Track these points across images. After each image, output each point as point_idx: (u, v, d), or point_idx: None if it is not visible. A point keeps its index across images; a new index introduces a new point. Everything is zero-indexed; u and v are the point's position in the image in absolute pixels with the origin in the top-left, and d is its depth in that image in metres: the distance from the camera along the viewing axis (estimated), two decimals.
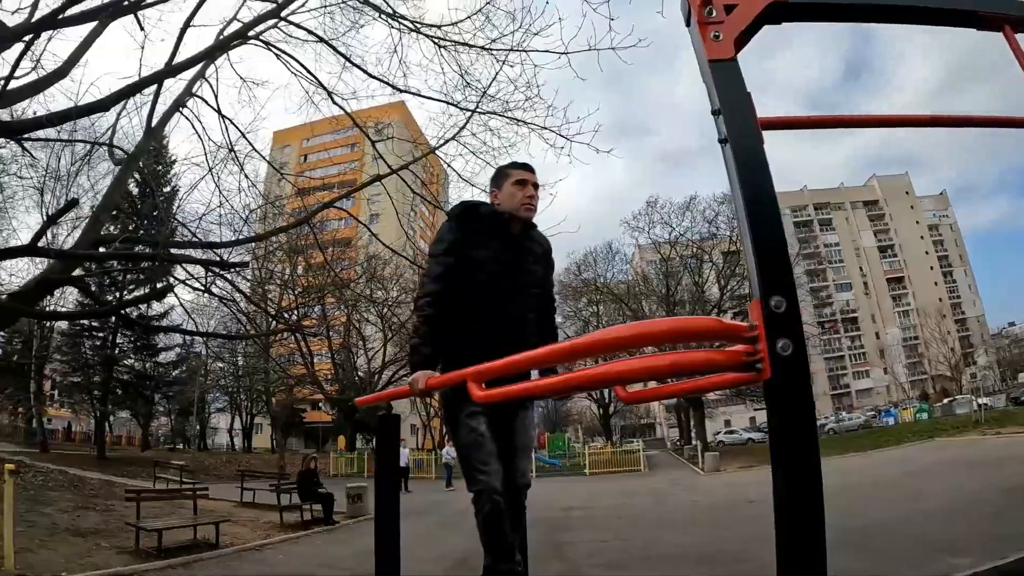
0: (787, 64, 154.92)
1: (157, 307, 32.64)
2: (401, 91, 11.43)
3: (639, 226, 40.18)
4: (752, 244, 1.36)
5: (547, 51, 9.22)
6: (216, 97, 11.58)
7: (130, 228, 18.90)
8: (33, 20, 8.25)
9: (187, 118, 11.63)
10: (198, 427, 52.06)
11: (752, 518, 9.45)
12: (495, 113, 10.70)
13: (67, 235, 19.30)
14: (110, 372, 31.94)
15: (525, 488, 2.70)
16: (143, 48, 15.64)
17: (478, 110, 10.64)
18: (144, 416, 41.41)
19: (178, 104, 11.26)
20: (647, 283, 42.58)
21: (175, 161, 29.22)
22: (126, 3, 9.13)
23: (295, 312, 21.33)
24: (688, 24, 1.59)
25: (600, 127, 11.39)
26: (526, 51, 9.56)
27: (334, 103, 11.13)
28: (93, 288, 22.32)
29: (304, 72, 11.41)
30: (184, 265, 11.20)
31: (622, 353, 1.58)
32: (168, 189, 33.28)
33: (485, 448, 2.53)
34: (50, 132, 10.16)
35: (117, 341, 32.68)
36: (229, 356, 43.84)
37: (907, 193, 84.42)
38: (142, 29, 10.33)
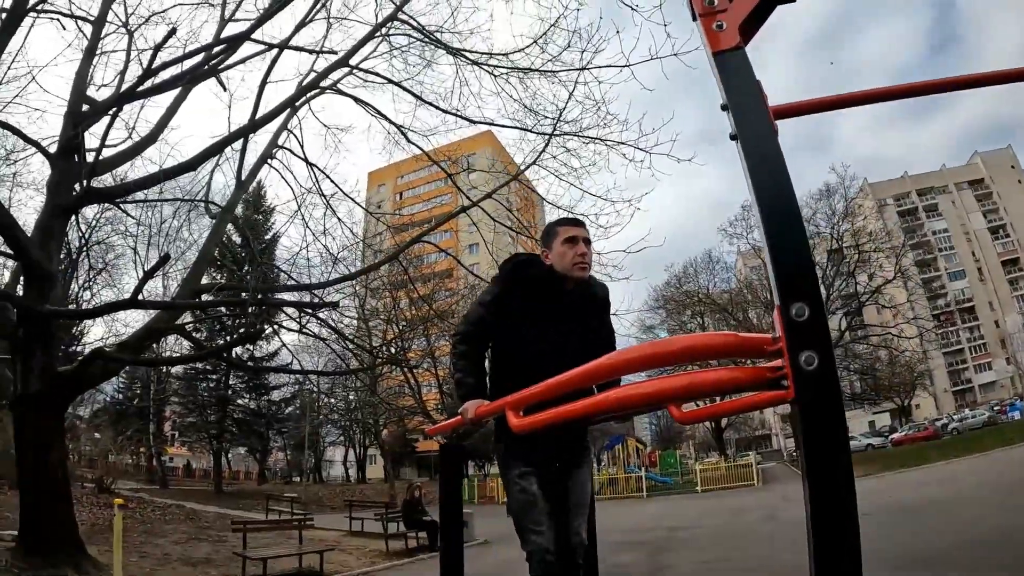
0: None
1: (266, 347, 34.32)
2: (474, 122, 11.63)
3: (736, 232, 38.63)
4: (769, 245, 1.24)
5: (609, 65, 9.13)
6: (302, 146, 12.04)
7: (234, 275, 19.98)
8: (122, 92, 8.82)
9: (275, 169, 12.28)
10: (313, 460, 54.05)
11: (860, 532, 8.87)
12: (570, 134, 10.69)
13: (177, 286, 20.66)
14: (224, 411, 33.87)
15: (580, 547, 2.57)
16: (230, 107, 16.75)
17: (555, 133, 10.66)
18: (260, 451, 43.41)
19: (265, 157, 11.79)
20: (751, 290, 40.95)
21: (273, 209, 31.10)
22: (206, 68, 9.65)
23: (398, 345, 21.90)
24: (694, 19, 1.48)
25: (678, 136, 11.24)
26: (588, 68, 9.49)
27: (408, 141, 11.40)
28: (204, 334, 23.74)
29: (379, 115, 11.78)
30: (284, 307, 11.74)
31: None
32: (269, 236, 35.42)
33: (537, 507, 2.48)
34: (149, 192, 11.02)
35: (230, 382, 34.56)
36: (341, 391, 45.35)
37: (1012, 167, 76.86)
38: (225, 89, 10.99)
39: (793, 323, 1.16)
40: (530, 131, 11.64)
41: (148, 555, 9.63)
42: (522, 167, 11.56)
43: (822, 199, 35.57)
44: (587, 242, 2.68)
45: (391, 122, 11.55)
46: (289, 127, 11.97)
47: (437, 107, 11.49)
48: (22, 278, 9.28)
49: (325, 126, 12.70)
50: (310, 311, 10.32)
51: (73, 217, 12.21)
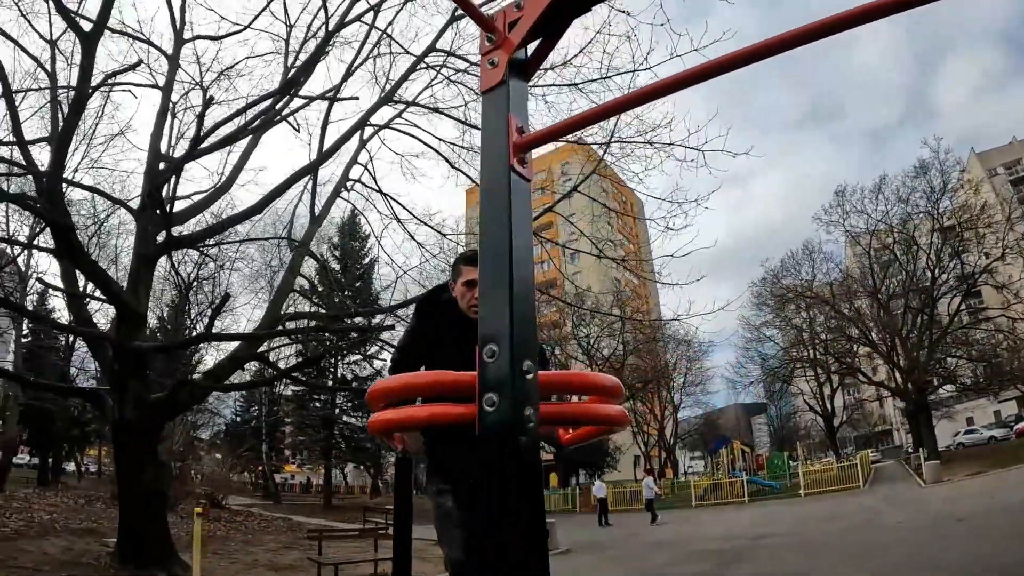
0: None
1: (368, 368, 35.84)
2: None
3: (832, 220, 36.19)
4: (480, 284, 1.30)
5: (633, 70, 9.13)
6: (374, 178, 12.58)
7: (330, 301, 21.09)
8: (185, 153, 9.59)
9: (348, 201, 13.02)
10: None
11: (949, 539, 8.39)
12: (627, 140, 10.73)
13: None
14: (331, 430, 35.54)
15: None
16: (310, 144, 17.82)
17: (612, 140, 10.68)
18: (372, 467, 45.08)
19: (337, 191, 12.27)
20: (853, 280, 38.53)
21: (368, 236, 32.64)
22: (255, 123, 10.40)
23: None
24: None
25: (730, 129, 11.03)
26: (608, 78, 9.57)
27: (452, 167, 11.76)
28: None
29: (428, 147, 12.22)
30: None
31: None
32: (367, 261, 37.06)
33: (451, 521, 2.55)
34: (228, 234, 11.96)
35: (336, 401, 36.21)
36: None
37: None
38: (297, 131, 11.75)
39: (484, 363, 1.19)
40: (578, 142, 11.86)
41: (238, 560, 10.45)
42: (582, 176, 11.70)
43: (918, 176, 33.08)
44: None
45: (438, 153, 11.97)
46: (360, 161, 12.44)
47: (475, 126, 11.86)
48: (116, 319, 10.27)
49: (397, 154, 13.10)
50: (371, 334, 10.81)
51: (184, 255, 13.41)
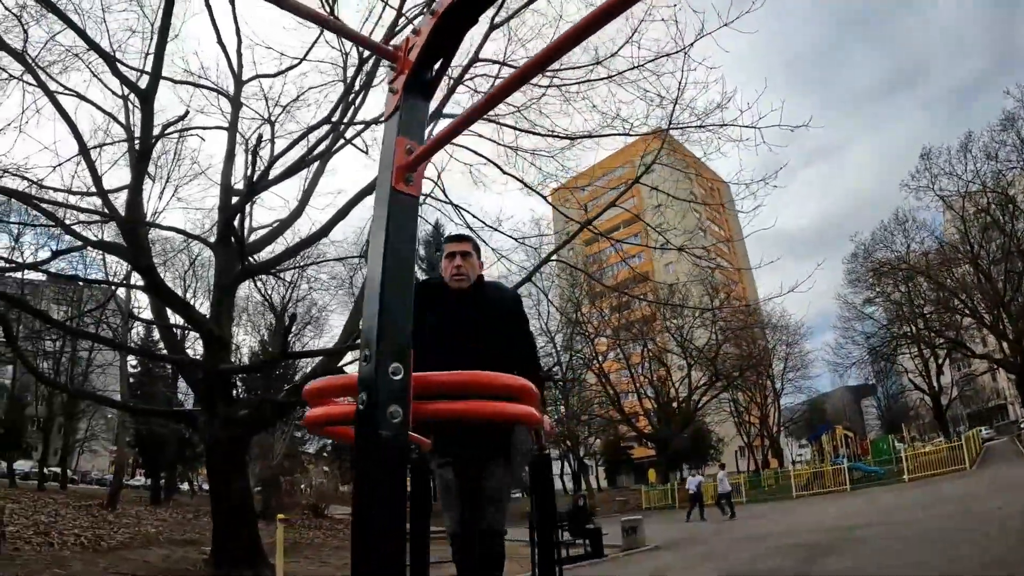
0: None
1: None
2: (572, 138, 11.96)
3: (921, 185, 33.96)
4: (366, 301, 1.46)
5: (668, 53, 9.14)
6: (444, 191, 12.54)
7: None
8: (249, 187, 10.17)
9: (422, 217, 13.38)
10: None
11: None
12: (685, 126, 10.90)
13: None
14: None
15: (487, 533, 2.80)
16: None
17: (671, 127, 10.91)
18: None
19: None
20: (951, 247, 35.97)
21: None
22: (338, 143, 10.93)
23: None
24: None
25: (784, 103, 10.79)
26: (642, 66, 9.51)
27: (504, 172, 11.95)
28: None
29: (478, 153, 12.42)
30: None
31: None
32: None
33: (451, 493, 2.84)
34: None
35: None
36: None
37: None
38: (366, 153, 12.31)
39: (360, 366, 1.38)
40: (628, 134, 11.85)
41: (328, 563, 11.27)
42: (642, 168, 11.66)
43: (1005, 130, 30.49)
44: (464, 255, 2.98)
45: (490, 161, 12.19)
46: (425, 174, 12.81)
47: (534, 132, 12.03)
48: (204, 345, 11.06)
49: (468, 165, 12.99)
50: None
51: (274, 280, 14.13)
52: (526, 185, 11.87)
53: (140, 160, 8.38)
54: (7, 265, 11.29)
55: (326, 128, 11.15)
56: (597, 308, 38.62)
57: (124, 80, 8.10)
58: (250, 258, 11.02)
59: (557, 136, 11.88)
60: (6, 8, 8.43)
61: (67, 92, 9.46)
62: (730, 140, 10.57)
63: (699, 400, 41.49)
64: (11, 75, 9.24)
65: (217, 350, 10.31)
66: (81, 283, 18.65)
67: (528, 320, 3.34)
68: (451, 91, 11.89)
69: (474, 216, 12.84)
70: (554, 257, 13.81)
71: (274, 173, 10.90)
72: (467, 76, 11.89)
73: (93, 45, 8.05)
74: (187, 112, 10.15)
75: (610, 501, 37.66)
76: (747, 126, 10.03)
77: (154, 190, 13.38)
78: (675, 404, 41.50)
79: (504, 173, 12.00)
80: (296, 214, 12.05)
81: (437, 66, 1.58)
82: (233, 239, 10.40)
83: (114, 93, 10.19)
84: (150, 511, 20.36)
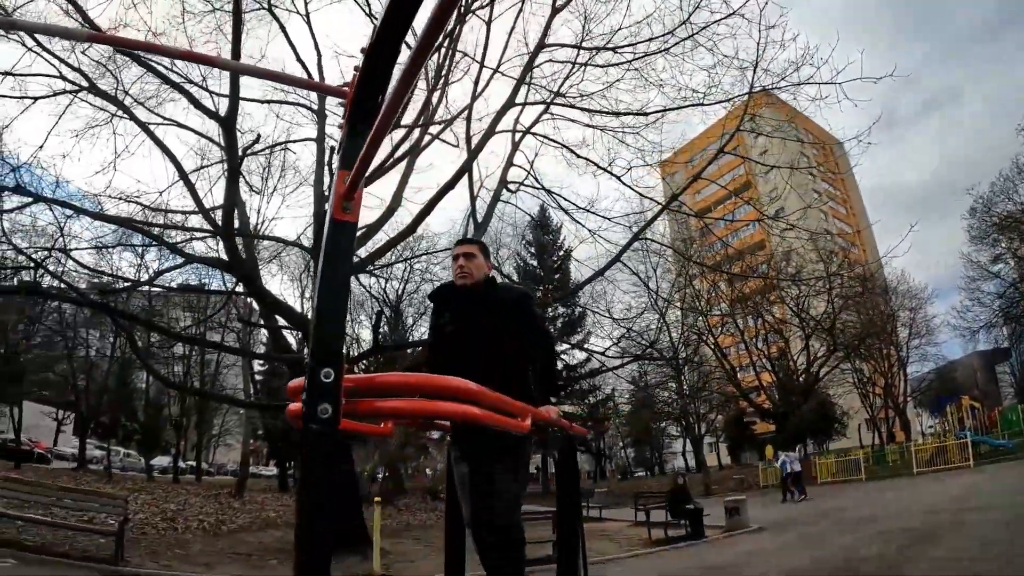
0: None
1: (579, 356, 36.32)
2: (647, 114, 12.07)
3: None
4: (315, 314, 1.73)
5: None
6: (536, 179, 13.30)
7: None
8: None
9: (512, 203, 14.00)
10: (655, 454, 59.04)
11: None
12: (769, 88, 11.13)
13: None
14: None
15: (484, 526, 2.93)
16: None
17: (752, 91, 11.10)
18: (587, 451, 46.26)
19: (496, 196, 13.05)
20: None
21: (559, 227, 34.33)
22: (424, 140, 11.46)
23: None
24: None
25: (861, 54, 10.64)
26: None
27: (578, 156, 12.09)
28: None
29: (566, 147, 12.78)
30: None
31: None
32: (561, 253, 38.44)
33: (465, 487, 3.04)
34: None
35: None
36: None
37: None
38: (455, 146, 12.87)
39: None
40: (701, 104, 11.78)
41: (432, 544, 11.77)
42: (727, 134, 11.61)
43: None
44: (468, 256, 3.21)
45: (568, 148, 12.36)
46: (516, 163, 13.06)
47: (608, 112, 12.20)
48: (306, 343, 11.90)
49: (564, 145, 13.28)
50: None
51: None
52: (598, 167, 11.98)
53: (230, 179, 9.17)
54: (115, 285, 12.38)
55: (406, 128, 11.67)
56: (710, 281, 37.58)
57: (206, 111, 8.88)
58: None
59: (643, 113, 12.13)
60: (95, 61, 9.37)
61: (166, 122, 10.47)
62: (814, 100, 10.48)
63: (818, 372, 39.60)
64: (112, 114, 10.19)
65: None
66: (203, 293, 20.53)
67: (541, 318, 3.51)
68: (520, 81, 12.20)
69: (567, 200, 13.18)
70: (646, 236, 13.77)
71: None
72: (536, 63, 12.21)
73: (175, 86, 8.89)
74: (259, 136, 11.11)
75: (727, 479, 36.75)
76: (827, 83, 10.20)
77: (261, 201, 14.44)
78: (795, 376, 39.83)
79: (578, 157, 12.16)
80: (390, 212, 12.45)
81: (382, 97, 1.74)
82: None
83: (211, 117, 11.11)
84: (276, 497, 21.67)
